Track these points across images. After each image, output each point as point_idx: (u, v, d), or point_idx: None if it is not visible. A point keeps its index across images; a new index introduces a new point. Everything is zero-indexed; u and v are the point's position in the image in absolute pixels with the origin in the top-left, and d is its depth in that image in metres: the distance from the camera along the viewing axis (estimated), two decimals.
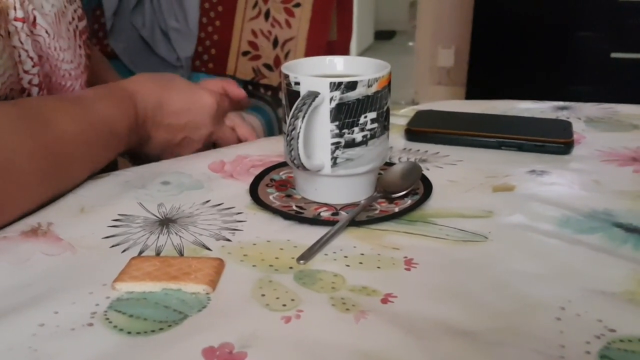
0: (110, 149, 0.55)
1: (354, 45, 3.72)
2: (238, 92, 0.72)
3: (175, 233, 0.44)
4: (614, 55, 2.44)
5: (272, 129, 1.44)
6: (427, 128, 0.64)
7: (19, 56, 0.52)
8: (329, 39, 1.42)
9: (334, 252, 0.41)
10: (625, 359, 0.30)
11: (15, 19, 0.51)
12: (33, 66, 0.54)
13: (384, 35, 4.92)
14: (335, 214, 0.47)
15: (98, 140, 0.53)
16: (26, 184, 0.46)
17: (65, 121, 0.50)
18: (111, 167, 0.62)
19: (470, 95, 2.70)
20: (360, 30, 4.01)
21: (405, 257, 0.40)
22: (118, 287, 0.37)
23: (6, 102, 0.50)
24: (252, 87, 1.49)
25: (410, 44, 3.95)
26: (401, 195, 0.48)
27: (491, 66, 2.62)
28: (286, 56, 1.39)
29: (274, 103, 1.49)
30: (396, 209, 0.47)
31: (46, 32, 0.55)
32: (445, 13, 2.97)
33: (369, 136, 0.46)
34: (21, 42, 0.52)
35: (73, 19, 0.61)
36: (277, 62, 1.40)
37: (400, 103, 3.02)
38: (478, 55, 2.64)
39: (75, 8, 0.62)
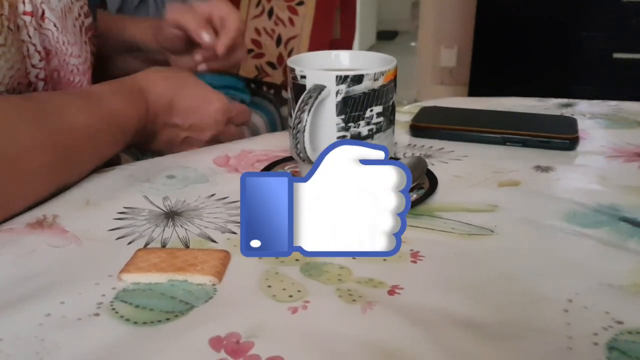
0: (117, 143, 0.56)
1: (356, 45, 3.72)
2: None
3: (181, 226, 0.44)
4: (616, 55, 2.44)
5: (274, 127, 1.43)
6: (431, 124, 0.64)
7: (27, 50, 0.52)
8: (332, 37, 1.43)
9: None
10: (633, 350, 0.30)
11: (24, 13, 0.51)
12: (40, 60, 0.54)
13: (386, 36, 4.92)
14: None
15: (106, 135, 0.54)
16: (33, 176, 0.46)
17: (74, 115, 0.50)
18: (114, 161, 0.62)
19: (473, 95, 2.69)
20: (362, 30, 4.01)
21: (412, 250, 0.40)
22: (124, 278, 0.37)
23: (16, 95, 0.50)
24: (255, 85, 1.49)
25: (413, 44, 3.95)
26: None
27: (493, 66, 2.62)
28: (289, 54, 1.38)
29: (276, 101, 1.49)
30: None
31: (54, 25, 0.55)
32: (448, 13, 2.97)
33: (374, 130, 0.46)
34: (29, 36, 0.52)
35: (79, 15, 0.61)
36: (281, 60, 1.40)
37: (402, 103, 3.02)
38: (480, 55, 2.64)
39: (81, 4, 0.62)
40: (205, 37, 0.66)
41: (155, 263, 0.38)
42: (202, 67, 0.69)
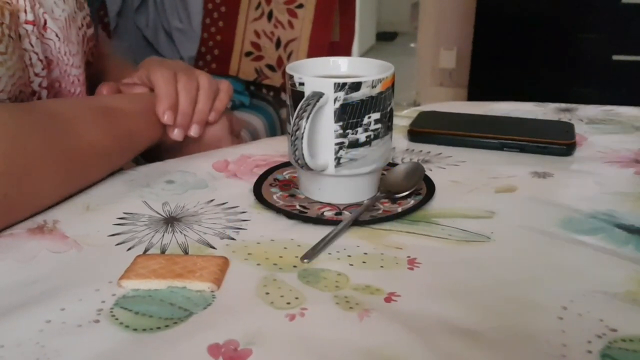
0: (126, 160, 0.57)
1: (356, 46, 3.72)
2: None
3: (180, 231, 0.45)
4: (615, 57, 2.44)
5: (274, 129, 1.44)
6: (429, 129, 0.64)
7: (30, 59, 0.53)
8: (332, 39, 1.43)
9: (338, 252, 0.42)
10: (626, 358, 0.31)
11: (26, 22, 0.51)
12: (43, 69, 0.54)
13: (386, 37, 4.92)
14: (339, 213, 0.47)
15: (118, 154, 0.54)
16: (39, 189, 0.46)
17: (91, 134, 0.51)
18: None
19: (472, 97, 2.70)
20: (362, 31, 4.01)
21: (409, 257, 0.41)
22: (124, 285, 0.37)
23: (32, 106, 0.50)
24: (255, 88, 1.50)
25: (412, 45, 3.96)
26: (404, 196, 0.49)
27: (493, 68, 2.63)
28: (289, 57, 1.39)
29: (276, 104, 1.49)
30: (399, 209, 0.47)
31: (56, 35, 0.55)
32: (447, 14, 2.97)
33: (372, 136, 0.46)
34: (32, 45, 0.52)
35: (82, 25, 0.62)
36: (280, 63, 1.40)
37: (401, 104, 3.03)
38: (480, 57, 2.64)
39: (84, 15, 0.62)
40: (165, 118, 0.58)
41: (155, 269, 0.38)
42: (176, 133, 0.60)
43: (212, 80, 0.63)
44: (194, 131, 0.60)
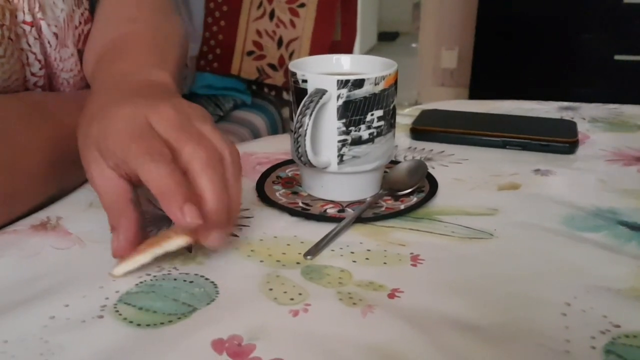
0: None
1: (357, 46, 3.73)
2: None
3: None
4: (617, 57, 2.44)
5: (275, 128, 1.44)
6: (432, 127, 0.64)
7: (27, 59, 0.52)
8: (333, 39, 1.43)
9: (341, 248, 0.42)
10: (630, 354, 0.31)
11: (24, 22, 0.51)
12: (40, 68, 0.54)
13: (387, 37, 4.92)
14: (342, 211, 0.47)
15: None
16: (32, 178, 0.46)
17: (73, 116, 0.50)
18: None
19: (474, 96, 2.70)
20: (363, 31, 4.02)
21: (412, 253, 0.41)
22: (115, 273, 0.38)
23: (15, 97, 0.50)
24: (256, 87, 1.50)
25: (414, 45, 3.96)
26: (407, 193, 0.49)
27: (494, 68, 2.63)
28: (290, 56, 1.39)
29: (277, 103, 1.49)
30: (402, 207, 0.47)
31: (48, 42, 0.55)
32: (449, 14, 2.97)
33: (375, 134, 0.46)
34: (29, 45, 0.52)
35: (80, 23, 0.62)
36: (282, 62, 1.40)
37: (403, 104, 3.02)
38: (481, 57, 2.64)
39: (82, 11, 0.62)
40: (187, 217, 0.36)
41: (136, 249, 0.38)
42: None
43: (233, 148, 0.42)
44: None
